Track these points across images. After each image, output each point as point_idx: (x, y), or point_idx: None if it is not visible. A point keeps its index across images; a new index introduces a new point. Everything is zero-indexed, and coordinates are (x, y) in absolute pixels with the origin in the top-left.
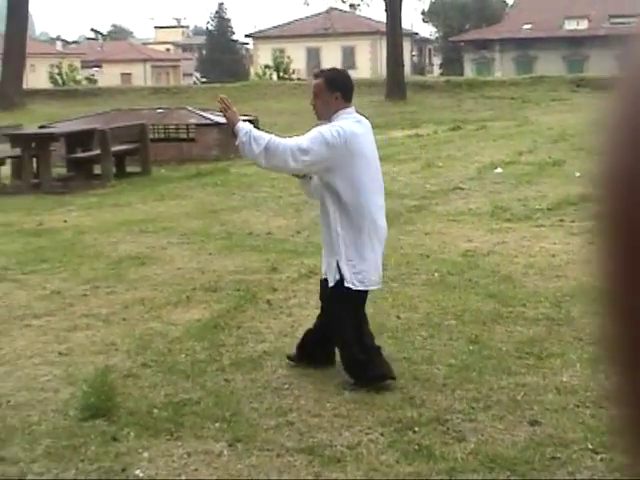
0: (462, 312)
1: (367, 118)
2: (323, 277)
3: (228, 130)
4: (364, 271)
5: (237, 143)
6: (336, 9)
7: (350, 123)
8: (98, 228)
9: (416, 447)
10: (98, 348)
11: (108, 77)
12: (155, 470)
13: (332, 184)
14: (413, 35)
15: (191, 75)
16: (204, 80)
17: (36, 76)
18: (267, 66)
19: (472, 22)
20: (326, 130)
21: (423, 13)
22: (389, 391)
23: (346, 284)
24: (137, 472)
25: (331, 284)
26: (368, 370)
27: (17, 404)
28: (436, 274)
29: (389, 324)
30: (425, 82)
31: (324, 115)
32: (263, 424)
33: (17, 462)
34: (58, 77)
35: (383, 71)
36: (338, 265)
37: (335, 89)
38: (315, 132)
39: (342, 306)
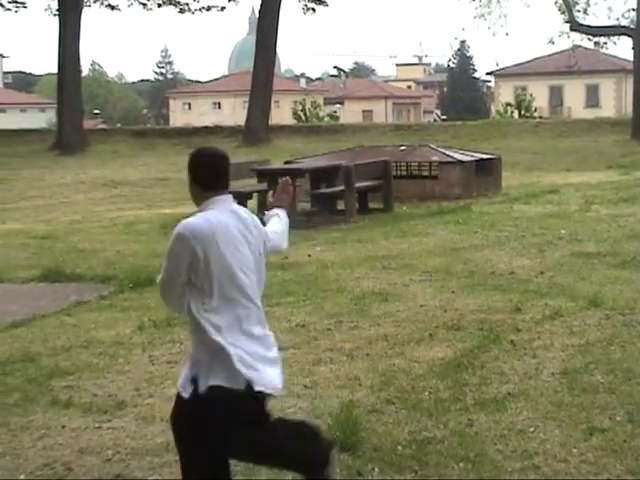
0: None
1: None
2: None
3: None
4: None
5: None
6: (580, 46)
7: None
8: (341, 263)
9: None
10: (342, 382)
11: (350, 114)
12: None
13: None
14: None
15: (431, 112)
16: (444, 118)
17: (280, 112)
18: (508, 104)
19: None
20: None
21: None
22: (638, 438)
23: None
24: None
25: None
26: None
27: None
28: None
29: (638, 370)
30: None
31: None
32: (508, 466)
33: None
34: (301, 113)
35: (628, 110)
36: None
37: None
38: None
39: None
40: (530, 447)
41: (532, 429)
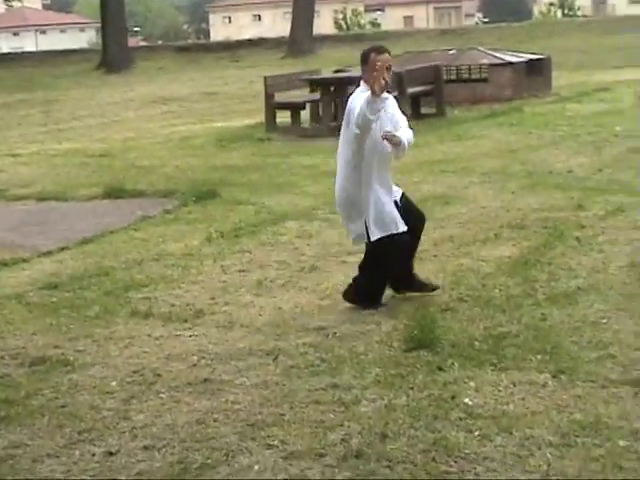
0: None
1: None
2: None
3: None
4: None
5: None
6: None
7: None
8: (399, 168)
9: None
10: None
11: (391, 20)
12: (483, 399)
13: None
14: None
15: (473, 15)
16: (485, 20)
17: (321, 22)
18: (551, 3)
19: None
20: None
21: None
22: None
23: None
24: (466, 400)
25: None
26: None
27: (343, 335)
28: None
29: None
30: None
31: None
32: (584, 357)
33: (350, 388)
34: (342, 22)
35: None
36: None
37: None
38: None
39: None
40: (604, 338)
41: (605, 321)
